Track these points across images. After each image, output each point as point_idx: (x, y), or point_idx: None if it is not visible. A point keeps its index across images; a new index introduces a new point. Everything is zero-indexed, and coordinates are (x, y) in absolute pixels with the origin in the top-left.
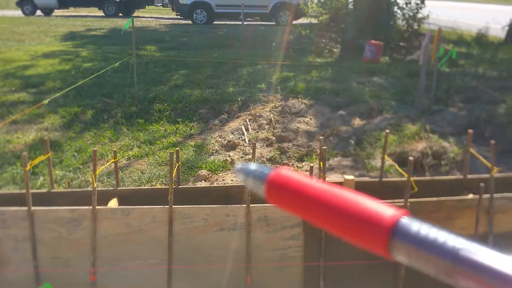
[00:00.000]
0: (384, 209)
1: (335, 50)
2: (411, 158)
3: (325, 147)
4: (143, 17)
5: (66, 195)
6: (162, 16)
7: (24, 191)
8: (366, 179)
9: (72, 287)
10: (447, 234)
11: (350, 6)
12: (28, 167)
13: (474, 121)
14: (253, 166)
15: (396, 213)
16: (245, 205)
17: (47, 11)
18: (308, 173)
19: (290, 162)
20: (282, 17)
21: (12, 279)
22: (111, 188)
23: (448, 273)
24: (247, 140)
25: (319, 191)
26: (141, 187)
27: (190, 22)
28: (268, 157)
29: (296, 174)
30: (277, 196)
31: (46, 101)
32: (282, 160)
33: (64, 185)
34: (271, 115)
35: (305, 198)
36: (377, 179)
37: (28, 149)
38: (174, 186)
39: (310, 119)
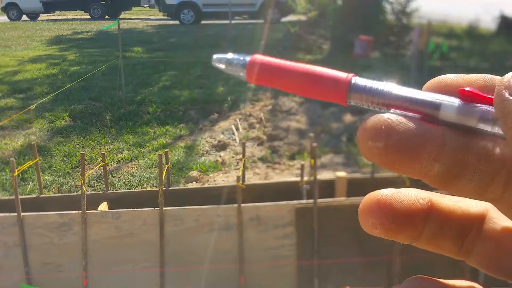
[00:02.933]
0: (339, 73)
1: (325, 46)
2: None
3: (315, 145)
4: (130, 18)
5: (56, 200)
6: (149, 17)
7: (13, 197)
8: (358, 175)
9: None
10: (384, 83)
11: (339, 1)
12: (16, 173)
13: None
14: (230, 55)
15: (349, 74)
16: (237, 205)
17: (33, 16)
18: (299, 171)
19: (281, 160)
20: (271, 15)
21: (4, 286)
22: (100, 192)
23: (386, 106)
24: (237, 140)
25: (290, 65)
26: (130, 190)
27: (177, 22)
28: (259, 156)
29: (268, 58)
30: (256, 76)
31: (33, 106)
32: (273, 159)
33: (54, 190)
34: (262, 114)
35: (279, 71)
36: (369, 175)
37: (17, 155)
38: (164, 188)
39: (301, 117)
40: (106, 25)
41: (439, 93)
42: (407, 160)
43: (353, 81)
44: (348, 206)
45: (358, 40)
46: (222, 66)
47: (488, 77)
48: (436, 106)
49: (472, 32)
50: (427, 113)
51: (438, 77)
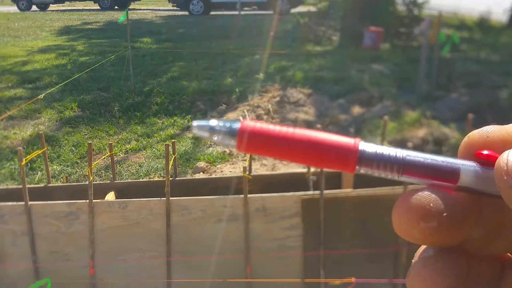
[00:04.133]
0: (344, 139)
1: (334, 38)
2: (409, 144)
3: None
4: (139, 9)
5: (63, 189)
6: (158, 8)
7: (21, 186)
8: None
9: (71, 281)
10: (392, 148)
11: None
12: (24, 162)
13: (476, 106)
14: (214, 122)
15: (355, 140)
16: (243, 195)
17: (43, 6)
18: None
19: None
20: (280, 6)
21: (12, 274)
22: (108, 182)
23: (399, 172)
24: None
25: (287, 132)
26: (138, 180)
27: (186, 13)
28: None
29: (260, 124)
30: (249, 145)
31: (41, 96)
32: None
33: (62, 180)
34: (270, 105)
35: (276, 140)
36: None
37: (26, 145)
38: (171, 178)
39: (309, 108)
40: (116, 15)
41: (470, 153)
42: (455, 232)
43: (361, 148)
44: (355, 198)
45: (367, 31)
46: (204, 134)
47: None
48: (455, 171)
49: (483, 24)
50: (445, 179)
51: (482, 131)
